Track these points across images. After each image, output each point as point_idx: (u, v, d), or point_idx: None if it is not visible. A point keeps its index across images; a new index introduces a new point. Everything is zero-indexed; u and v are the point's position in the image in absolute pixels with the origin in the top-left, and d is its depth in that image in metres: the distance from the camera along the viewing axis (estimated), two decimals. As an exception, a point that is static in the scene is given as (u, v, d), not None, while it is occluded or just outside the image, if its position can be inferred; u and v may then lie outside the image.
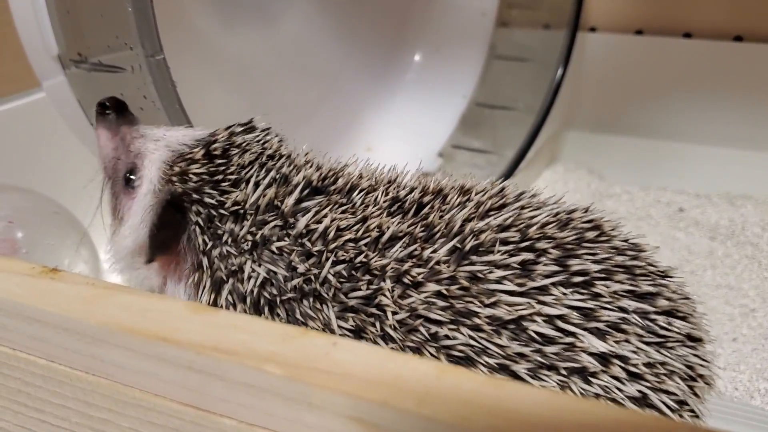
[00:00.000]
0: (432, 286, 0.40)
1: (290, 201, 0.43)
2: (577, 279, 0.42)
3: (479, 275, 0.41)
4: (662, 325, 0.42)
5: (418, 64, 0.96)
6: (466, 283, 0.40)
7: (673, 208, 0.92)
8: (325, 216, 0.43)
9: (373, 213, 0.43)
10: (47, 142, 0.71)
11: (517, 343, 0.39)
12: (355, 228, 0.42)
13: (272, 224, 0.42)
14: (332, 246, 0.42)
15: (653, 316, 0.42)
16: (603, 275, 0.42)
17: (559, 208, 0.46)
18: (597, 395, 0.39)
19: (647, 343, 0.42)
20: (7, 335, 0.34)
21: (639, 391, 0.40)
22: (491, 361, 0.39)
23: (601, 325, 0.41)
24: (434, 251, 0.41)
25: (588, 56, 0.96)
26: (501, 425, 0.25)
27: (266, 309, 0.40)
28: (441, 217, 0.43)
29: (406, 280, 0.40)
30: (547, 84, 0.88)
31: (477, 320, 0.39)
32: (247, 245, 0.42)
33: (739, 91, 0.92)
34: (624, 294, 0.42)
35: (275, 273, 0.41)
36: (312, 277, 0.41)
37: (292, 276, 0.41)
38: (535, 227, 0.44)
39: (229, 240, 0.42)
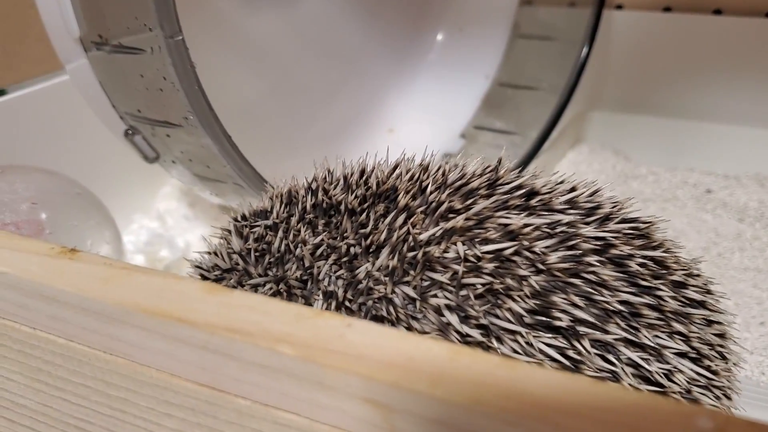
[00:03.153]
0: (362, 308, 0.37)
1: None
2: (560, 323, 0.35)
3: (419, 299, 0.36)
4: (661, 374, 0.37)
5: (440, 44, 0.94)
6: (400, 308, 0.36)
7: (701, 190, 0.90)
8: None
9: (293, 226, 0.41)
10: (70, 125, 0.71)
11: None
12: (276, 249, 0.41)
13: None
14: (256, 272, 0.41)
15: (651, 368, 0.36)
16: (595, 321, 0.36)
17: (560, 215, 0.39)
18: None
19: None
20: (27, 314, 0.35)
21: None
22: None
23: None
24: (370, 265, 0.38)
25: (614, 34, 0.94)
26: (514, 407, 0.25)
27: None
28: (378, 223, 0.39)
29: (334, 303, 0.38)
30: (571, 63, 0.87)
31: None
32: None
33: (770, 69, 0.90)
34: (619, 341, 0.36)
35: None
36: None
37: None
38: (511, 246, 0.36)
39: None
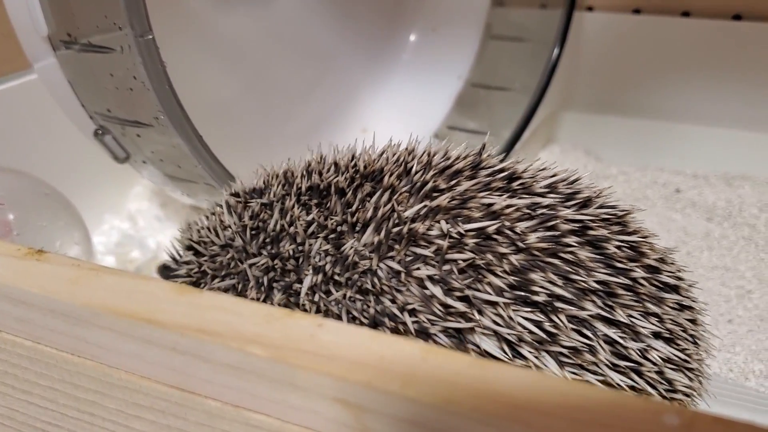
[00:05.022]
0: (348, 282, 0.38)
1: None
2: (538, 298, 0.37)
3: (404, 271, 0.37)
4: (636, 352, 0.38)
5: (413, 44, 0.95)
6: (384, 281, 0.37)
7: (670, 189, 0.91)
8: (233, 223, 0.44)
9: (289, 207, 0.42)
10: (39, 124, 0.70)
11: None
12: (272, 227, 0.42)
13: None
14: (252, 250, 0.42)
15: (627, 345, 0.38)
16: (572, 297, 0.37)
17: (540, 198, 0.40)
18: None
19: (619, 371, 0.37)
20: (-7, 317, 0.34)
21: None
22: None
23: (563, 350, 0.37)
24: (356, 241, 0.39)
25: (585, 36, 0.95)
26: (486, 407, 0.25)
27: None
28: (365, 202, 0.40)
29: (321, 277, 0.39)
30: (543, 64, 0.87)
31: (396, 325, 0.37)
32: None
33: (738, 70, 0.92)
34: (595, 317, 0.37)
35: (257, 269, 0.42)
36: (242, 286, 0.42)
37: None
38: (493, 225, 0.37)
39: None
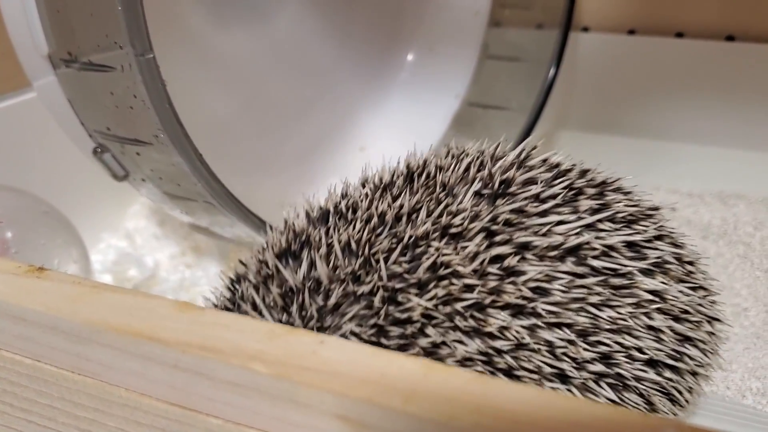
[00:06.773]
0: (478, 226, 0.41)
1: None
2: (595, 253, 0.42)
3: (523, 210, 0.42)
4: (672, 297, 0.44)
5: (411, 64, 0.95)
6: (513, 217, 0.41)
7: (666, 208, 0.92)
8: (339, 235, 0.42)
9: (374, 203, 0.43)
10: (38, 142, 0.70)
11: (581, 270, 0.40)
12: (369, 221, 0.42)
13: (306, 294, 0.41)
14: (366, 245, 0.40)
15: (666, 293, 0.44)
16: (637, 217, 0.45)
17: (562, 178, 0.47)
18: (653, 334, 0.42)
19: (683, 293, 0.44)
20: (-7, 335, 0.34)
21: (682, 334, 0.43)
22: (563, 289, 0.39)
23: (649, 265, 0.43)
24: (460, 202, 0.42)
25: (581, 56, 0.96)
26: (487, 423, 0.25)
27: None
28: (437, 178, 0.44)
29: (453, 231, 0.40)
30: (539, 84, 0.88)
31: (536, 248, 0.40)
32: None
33: (731, 90, 0.93)
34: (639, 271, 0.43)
35: (357, 316, 0.39)
36: (377, 277, 0.39)
37: (370, 302, 0.39)
38: (552, 172, 0.46)
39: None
